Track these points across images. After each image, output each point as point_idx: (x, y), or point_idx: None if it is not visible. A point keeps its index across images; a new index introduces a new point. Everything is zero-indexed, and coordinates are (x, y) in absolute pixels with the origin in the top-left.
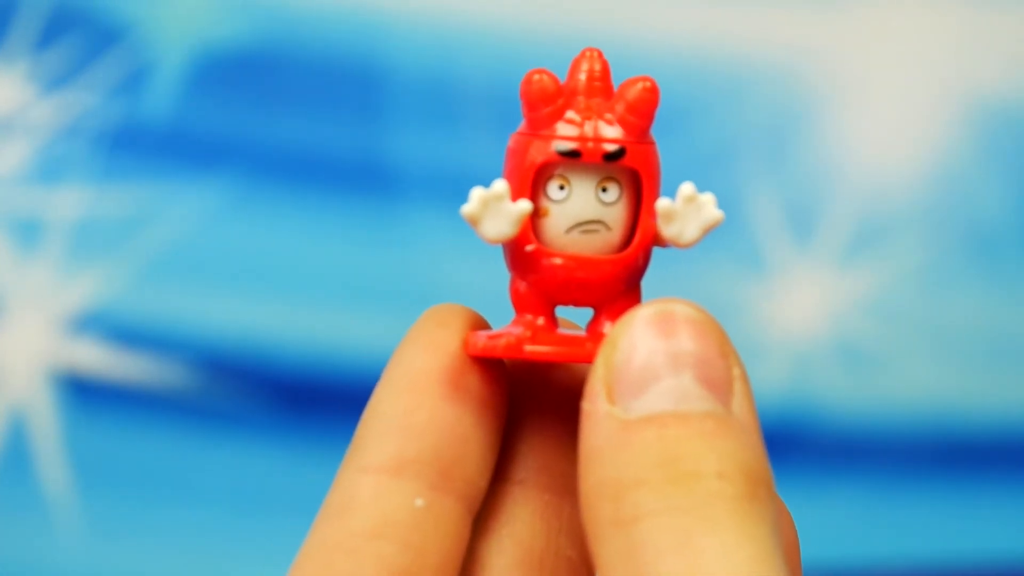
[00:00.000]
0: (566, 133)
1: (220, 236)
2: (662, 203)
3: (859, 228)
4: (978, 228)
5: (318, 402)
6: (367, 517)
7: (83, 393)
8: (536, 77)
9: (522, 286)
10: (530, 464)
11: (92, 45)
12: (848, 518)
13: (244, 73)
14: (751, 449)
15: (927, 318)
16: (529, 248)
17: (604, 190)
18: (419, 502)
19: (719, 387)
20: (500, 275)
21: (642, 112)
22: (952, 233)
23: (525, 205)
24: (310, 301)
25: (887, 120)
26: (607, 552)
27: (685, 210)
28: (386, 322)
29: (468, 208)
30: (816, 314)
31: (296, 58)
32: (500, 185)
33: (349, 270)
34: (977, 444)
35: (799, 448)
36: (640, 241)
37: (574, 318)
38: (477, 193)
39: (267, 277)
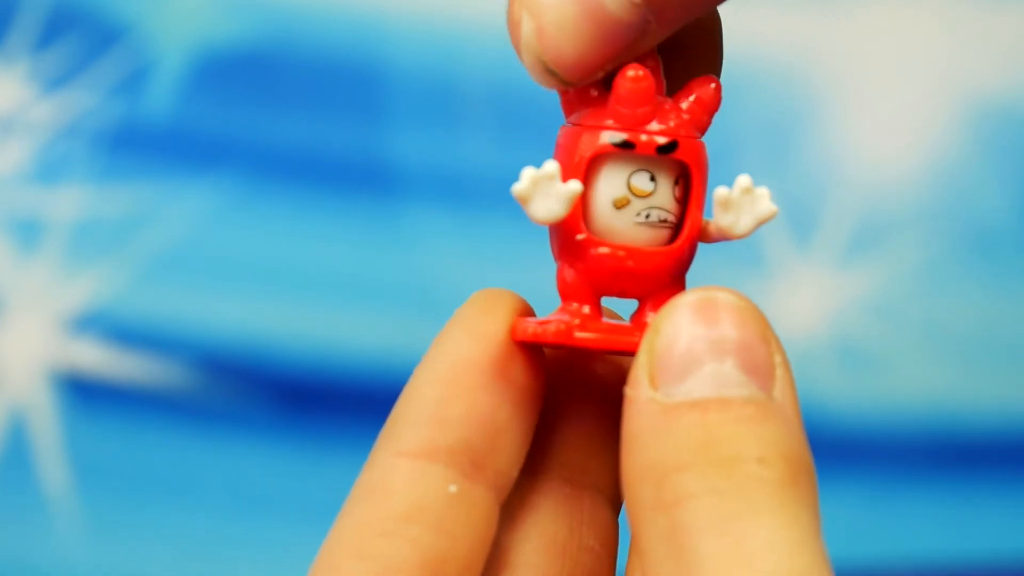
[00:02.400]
0: (620, 125)
1: (220, 236)
2: (721, 191)
3: (859, 228)
4: (978, 228)
5: (318, 402)
6: (402, 500)
7: (83, 393)
8: (632, 73)
9: (569, 274)
10: (554, 456)
11: (92, 45)
12: (848, 518)
13: (244, 73)
14: (792, 435)
15: (927, 318)
16: (580, 237)
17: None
18: (453, 488)
19: (761, 373)
20: (499, 275)
21: (707, 110)
22: (952, 233)
23: (576, 185)
24: (310, 301)
25: (887, 120)
26: (649, 534)
27: (741, 201)
28: (386, 322)
29: (519, 187)
30: (816, 314)
31: (296, 58)
32: (551, 165)
33: (349, 270)
34: (977, 444)
35: None
36: (689, 233)
37: (617, 311)
38: (528, 173)
39: (267, 277)
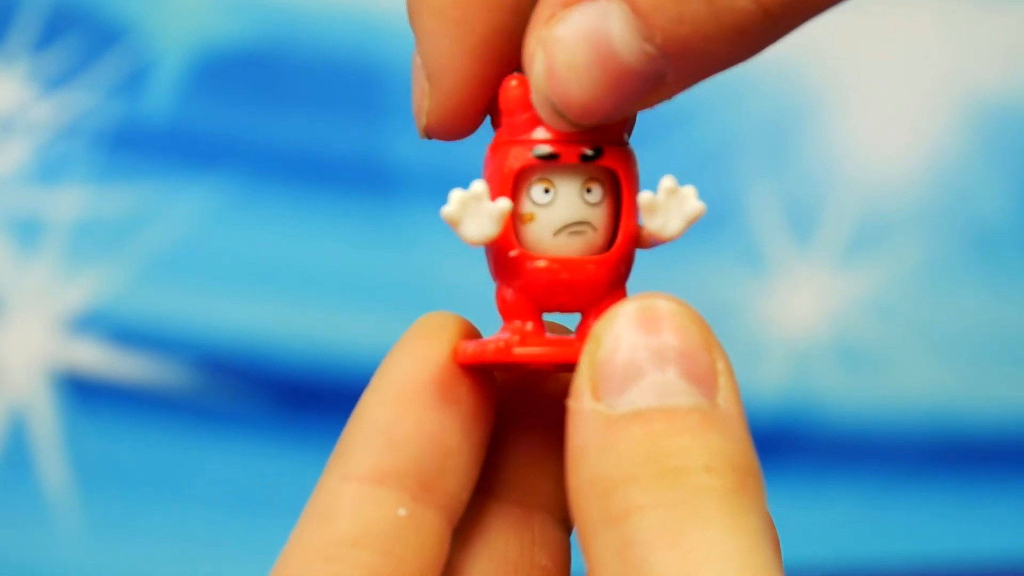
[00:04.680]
0: (543, 137)
1: (220, 236)
2: (644, 196)
3: (859, 228)
4: (978, 228)
5: (318, 402)
6: (349, 525)
7: (83, 393)
8: (512, 84)
9: (508, 293)
10: (504, 478)
11: (92, 45)
12: (848, 518)
13: (244, 73)
14: (738, 442)
15: (927, 318)
16: (513, 253)
17: (588, 191)
18: (402, 512)
19: (704, 381)
20: None
21: None
22: (952, 233)
23: (505, 203)
24: (310, 301)
25: (887, 119)
26: (599, 548)
27: (667, 202)
28: (385, 322)
29: (448, 210)
30: (816, 314)
31: (296, 58)
32: (478, 185)
33: (349, 270)
34: (977, 444)
35: (799, 448)
36: (622, 241)
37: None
38: (456, 195)
39: (267, 277)
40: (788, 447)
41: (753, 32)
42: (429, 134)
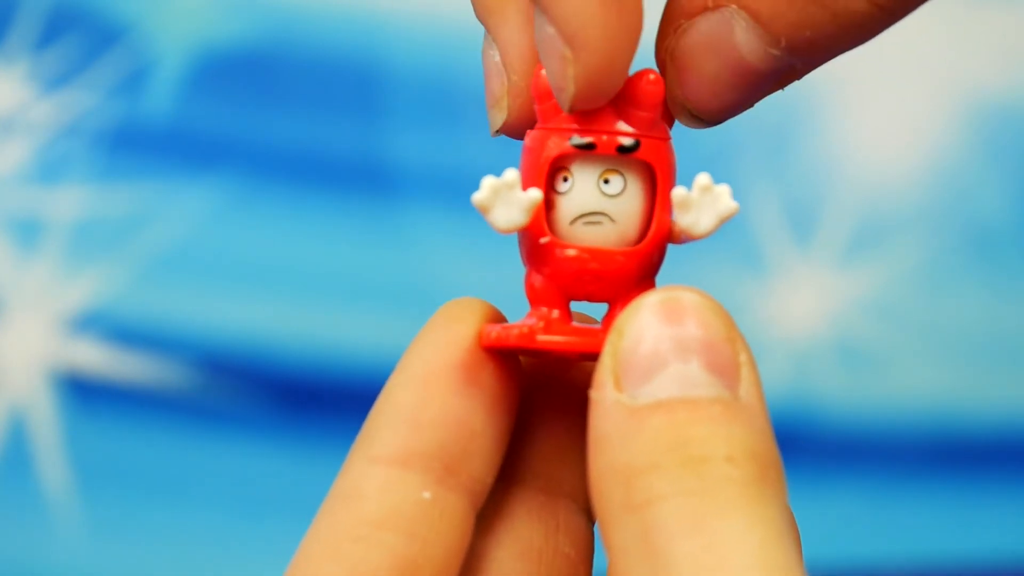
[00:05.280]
0: (581, 127)
1: (220, 236)
2: (678, 192)
3: (859, 228)
4: (978, 228)
5: (318, 402)
6: (375, 506)
7: (83, 393)
8: (544, 72)
9: (537, 280)
10: (529, 465)
11: (92, 45)
12: (848, 518)
13: (244, 73)
14: (759, 433)
15: (927, 318)
16: (544, 240)
17: (606, 182)
18: (426, 495)
19: (726, 373)
20: (500, 275)
21: (648, 104)
22: (952, 233)
23: (536, 193)
24: (310, 301)
25: (887, 120)
26: (620, 536)
27: (701, 200)
28: (386, 322)
29: (479, 196)
30: (816, 314)
31: (296, 58)
32: (511, 173)
33: (349, 270)
34: (977, 444)
35: (799, 448)
36: (655, 234)
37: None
38: (488, 182)
39: (267, 277)
40: (788, 447)
41: (871, 26)
42: (574, 106)
